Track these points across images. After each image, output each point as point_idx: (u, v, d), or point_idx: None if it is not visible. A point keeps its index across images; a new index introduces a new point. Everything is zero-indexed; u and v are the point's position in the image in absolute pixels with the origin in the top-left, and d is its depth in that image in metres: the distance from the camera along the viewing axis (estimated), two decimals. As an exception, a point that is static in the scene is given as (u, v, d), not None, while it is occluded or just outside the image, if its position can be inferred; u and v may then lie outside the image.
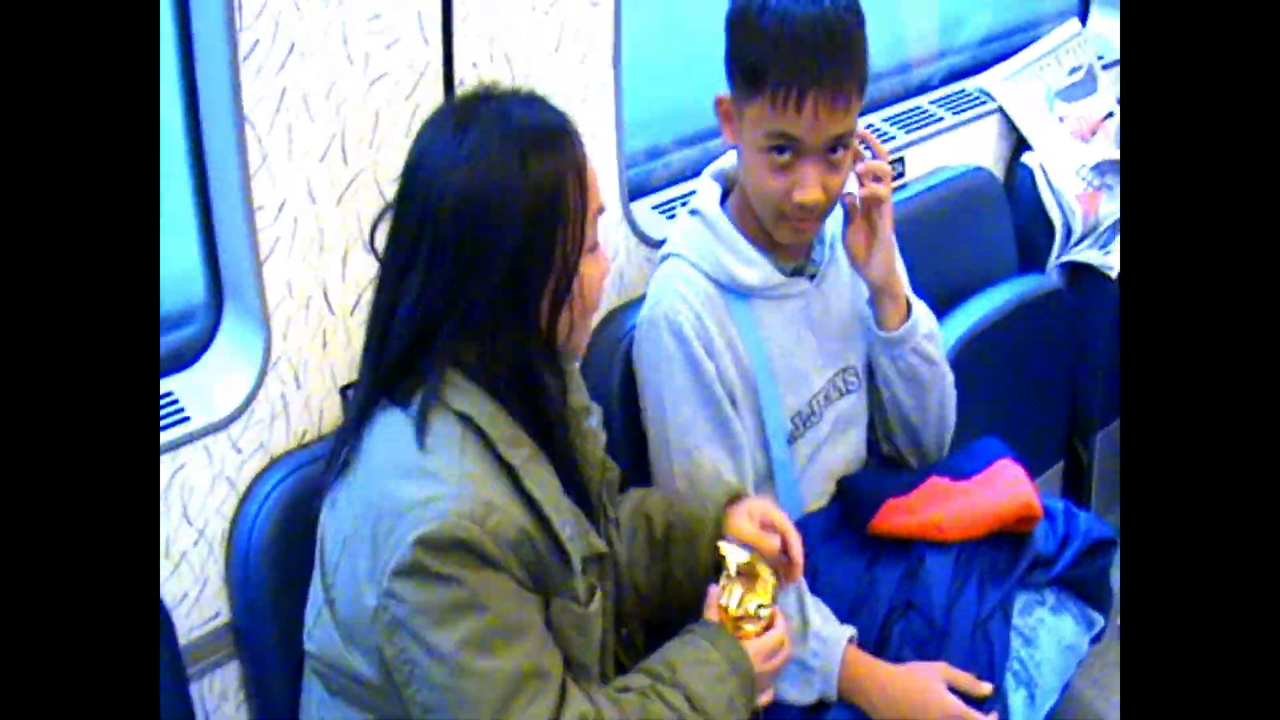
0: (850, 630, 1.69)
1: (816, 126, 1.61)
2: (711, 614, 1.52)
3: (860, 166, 1.74)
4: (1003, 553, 1.79)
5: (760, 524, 1.60)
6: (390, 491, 1.32)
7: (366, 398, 1.40)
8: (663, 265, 1.78)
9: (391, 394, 1.38)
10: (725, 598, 1.52)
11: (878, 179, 1.74)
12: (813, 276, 1.79)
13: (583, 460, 1.53)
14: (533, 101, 1.40)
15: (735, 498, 1.64)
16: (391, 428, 1.37)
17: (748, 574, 1.53)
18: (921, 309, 1.83)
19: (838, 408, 1.83)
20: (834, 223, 1.81)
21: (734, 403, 1.73)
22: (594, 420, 1.59)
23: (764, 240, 1.74)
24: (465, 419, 1.34)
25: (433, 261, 1.34)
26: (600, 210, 1.43)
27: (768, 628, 1.53)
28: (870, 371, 1.87)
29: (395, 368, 1.37)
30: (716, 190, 1.78)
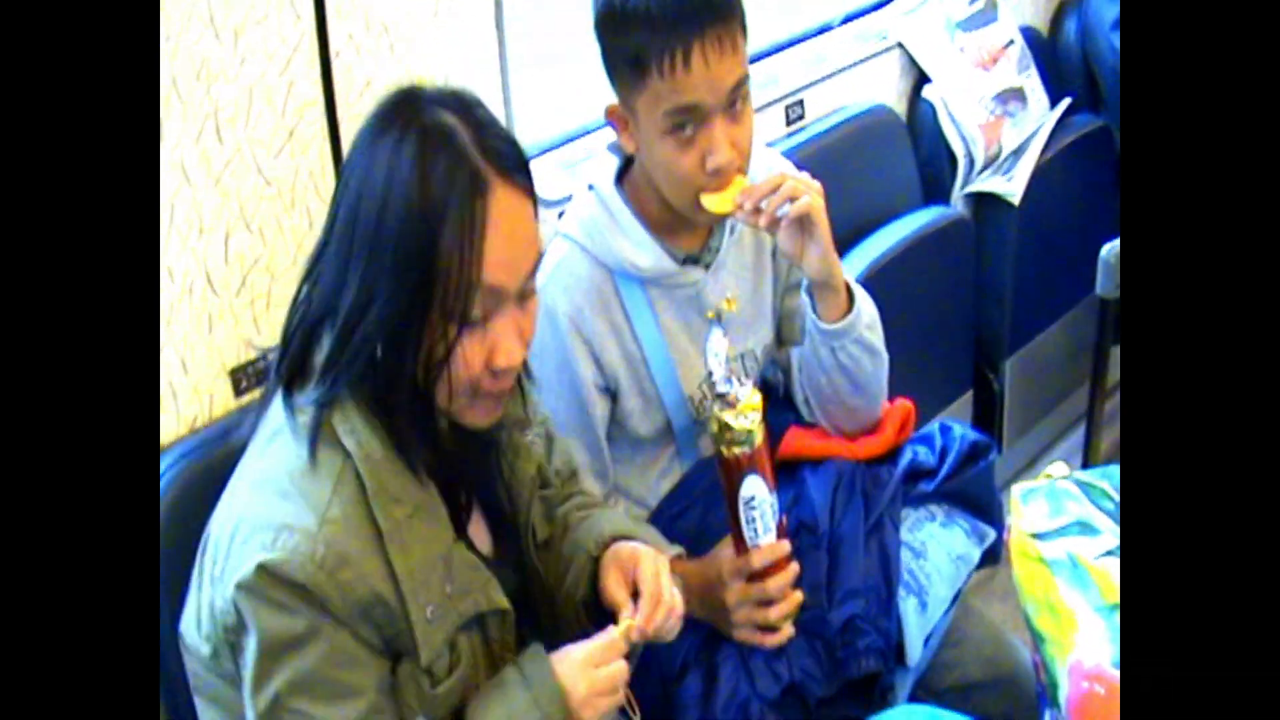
0: (675, 550, 1.61)
1: (711, 81, 1.58)
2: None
3: (773, 200, 1.62)
4: (880, 469, 1.79)
5: (626, 574, 1.45)
6: (254, 501, 1.27)
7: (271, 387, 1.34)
8: (553, 243, 1.75)
9: (287, 393, 1.31)
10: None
11: (793, 199, 1.63)
12: (708, 265, 1.76)
13: (511, 479, 1.47)
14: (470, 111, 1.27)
15: (619, 538, 1.50)
16: (278, 433, 1.31)
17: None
18: (863, 298, 1.75)
19: None
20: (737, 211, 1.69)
21: (617, 389, 1.73)
22: (530, 433, 1.50)
23: (658, 226, 1.71)
24: (348, 455, 1.27)
25: (333, 256, 1.27)
26: (496, 289, 1.26)
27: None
28: (776, 357, 1.86)
29: (291, 366, 1.31)
30: (614, 165, 1.74)
